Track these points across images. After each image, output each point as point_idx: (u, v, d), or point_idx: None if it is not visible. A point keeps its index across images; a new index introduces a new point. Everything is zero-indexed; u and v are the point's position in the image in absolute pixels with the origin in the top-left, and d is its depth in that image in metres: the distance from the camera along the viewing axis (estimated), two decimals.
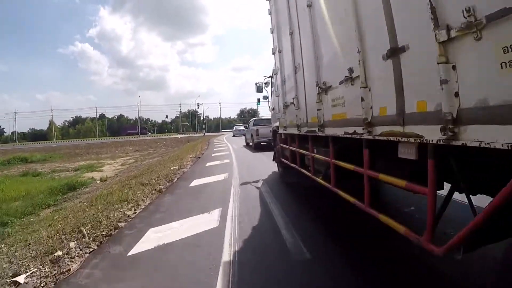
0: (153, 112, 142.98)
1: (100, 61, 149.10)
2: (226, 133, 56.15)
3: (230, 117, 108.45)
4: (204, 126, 55.20)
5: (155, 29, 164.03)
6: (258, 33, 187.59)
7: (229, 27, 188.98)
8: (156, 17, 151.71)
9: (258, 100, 41.82)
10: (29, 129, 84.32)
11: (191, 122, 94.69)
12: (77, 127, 78.38)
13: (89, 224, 3.76)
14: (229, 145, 15.93)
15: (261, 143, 13.14)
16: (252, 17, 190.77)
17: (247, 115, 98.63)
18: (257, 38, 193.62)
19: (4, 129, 79.67)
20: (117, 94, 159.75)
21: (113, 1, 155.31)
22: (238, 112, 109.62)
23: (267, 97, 8.72)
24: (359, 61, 2.14)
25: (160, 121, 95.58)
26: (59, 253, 2.85)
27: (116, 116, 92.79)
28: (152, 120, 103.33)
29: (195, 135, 55.08)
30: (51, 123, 75.87)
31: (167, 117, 70.78)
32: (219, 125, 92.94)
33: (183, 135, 52.94)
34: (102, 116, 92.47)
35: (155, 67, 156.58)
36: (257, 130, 13.03)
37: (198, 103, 53.14)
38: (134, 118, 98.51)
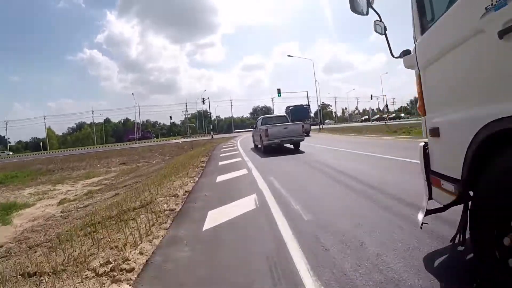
0: (165, 113, 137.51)
1: (109, 67, 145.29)
2: (239, 134, 45.57)
3: (242, 116, 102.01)
4: (211, 127, 46.96)
5: (163, 32, 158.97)
6: (268, 29, 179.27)
7: (238, 25, 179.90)
8: (163, 19, 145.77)
9: (279, 91, 33.06)
10: (31, 138, 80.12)
11: (199, 123, 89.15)
12: (75, 134, 73.06)
13: None
14: (253, 169, 7.10)
15: (272, 145, 11.07)
16: (262, 13, 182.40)
17: (260, 113, 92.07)
18: (267, 35, 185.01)
19: (8, 139, 75.63)
20: (128, 98, 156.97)
21: (119, 5, 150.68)
22: (251, 110, 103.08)
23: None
24: None
25: (169, 124, 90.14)
26: None
27: (122, 120, 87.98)
28: (160, 123, 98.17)
29: (202, 138, 46.62)
30: (49, 131, 71.19)
31: (171, 118, 63.68)
32: (231, 124, 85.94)
33: (186, 140, 43.54)
34: (107, 121, 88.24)
35: (165, 70, 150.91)
36: (266, 130, 10.89)
37: (203, 98, 44.89)
38: (141, 121, 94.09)
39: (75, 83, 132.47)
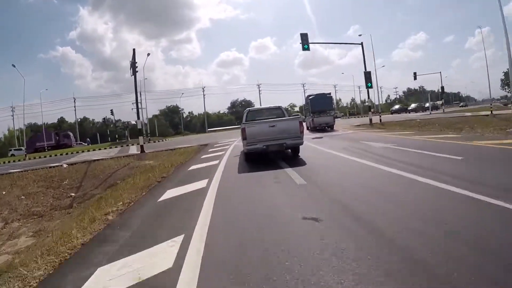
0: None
1: (83, 65, 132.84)
2: (218, 135, 30.67)
3: (219, 112, 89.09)
4: (146, 126, 25.43)
5: (137, 28, 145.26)
6: (245, 24, 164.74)
7: (214, 20, 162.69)
8: (137, 14, 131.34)
9: (304, 37, 23.22)
10: None
11: (168, 120, 77.55)
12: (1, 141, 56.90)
13: None
14: None
15: (252, 151, 7.90)
16: (239, 8, 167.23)
17: (239, 108, 79.91)
18: (244, 29, 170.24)
19: None
20: (103, 97, 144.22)
21: (92, 0, 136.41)
22: (229, 105, 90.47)
23: None
24: None
25: (133, 123, 78.02)
26: None
27: (79, 119, 75.62)
28: (132, 122, 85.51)
29: (131, 152, 21.01)
30: None
31: (112, 113, 47.80)
32: (204, 122, 72.69)
33: (114, 152, 23.52)
34: (61, 121, 76.18)
35: (140, 68, 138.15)
36: (244, 130, 7.83)
37: (131, 63, 19.25)
38: (103, 120, 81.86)
39: (48, 83, 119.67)
